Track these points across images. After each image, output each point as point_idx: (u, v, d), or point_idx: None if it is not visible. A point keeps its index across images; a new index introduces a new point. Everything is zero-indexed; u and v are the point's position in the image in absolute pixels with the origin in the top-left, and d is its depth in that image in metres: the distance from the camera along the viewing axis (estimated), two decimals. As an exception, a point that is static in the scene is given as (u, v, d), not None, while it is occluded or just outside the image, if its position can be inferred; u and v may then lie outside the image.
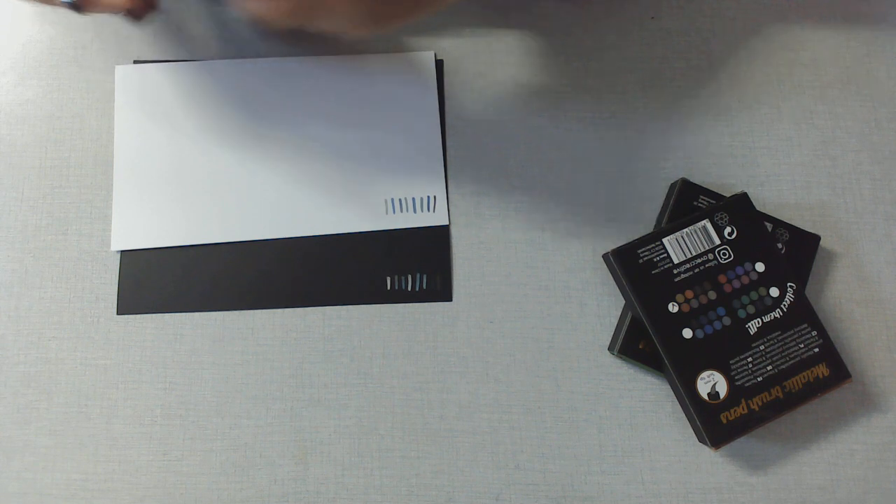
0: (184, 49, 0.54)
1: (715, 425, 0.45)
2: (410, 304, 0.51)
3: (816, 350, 0.47)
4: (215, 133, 0.53)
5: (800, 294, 0.47)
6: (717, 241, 0.48)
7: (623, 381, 0.49)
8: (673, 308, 0.47)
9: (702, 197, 0.50)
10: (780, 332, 0.47)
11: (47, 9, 0.54)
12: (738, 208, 0.48)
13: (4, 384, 0.49)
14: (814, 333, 0.47)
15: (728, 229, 0.48)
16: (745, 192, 0.49)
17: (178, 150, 0.52)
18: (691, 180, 0.51)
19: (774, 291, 0.47)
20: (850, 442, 0.49)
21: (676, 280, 0.47)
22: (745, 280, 0.47)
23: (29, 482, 0.48)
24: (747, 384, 0.46)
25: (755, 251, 0.48)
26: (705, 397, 0.46)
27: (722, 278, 0.47)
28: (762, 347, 0.46)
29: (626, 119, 0.53)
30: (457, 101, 0.54)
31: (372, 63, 0.54)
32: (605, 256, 0.49)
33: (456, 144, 0.53)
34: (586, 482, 0.48)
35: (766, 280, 0.47)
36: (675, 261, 0.47)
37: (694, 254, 0.48)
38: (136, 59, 0.54)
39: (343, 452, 0.48)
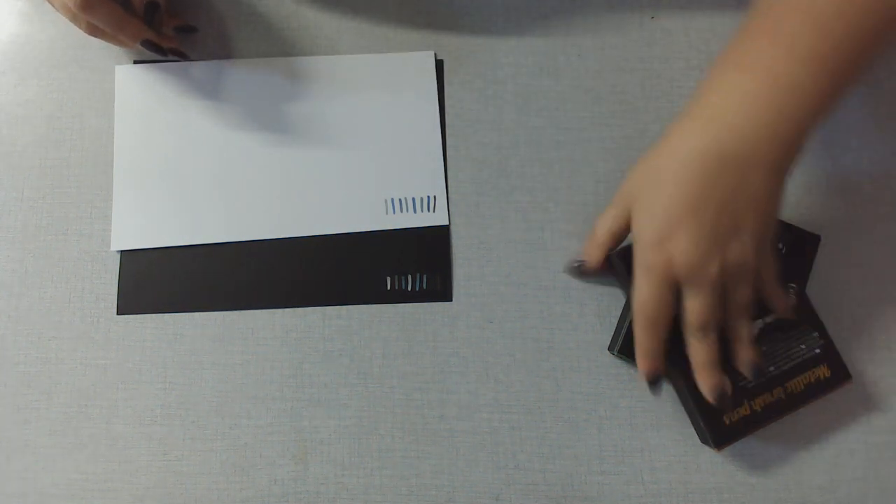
0: (183, 49, 0.53)
1: (718, 427, 0.45)
2: (410, 304, 0.51)
3: (818, 351, 0.47)
4: (215, 133, 0.53)
5: (800, 294, 0.47)
6: (718, 242, 0.48)
7: (623, 381, 0.49)
8: (673, 308, 0.47)
9: (702, 197, 0.50)
10: (781, 333, 0.47)
11: (48, 8, 0.54)
12: (739, 208, 0.48)
13: (4, 384, 0.49)
14: (815, 334, 0.47)
15: (728, 229, 0.48)
16: (746, 192, 0.49)
17: (178, 150, 0.52)
18: (691, 180, 0.51)
19: (775, 291, 0.47)
20: (850, 442, 0.49)
21: (677, 280, 0.47)
22: (746, 280, 0.47)
23: (29, 482, 0.48)
24: (749, 385, 0.46)
25: (755, 251, 0.48)
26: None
27: (722, 278, 0.47)
28: (763, 348, 0.46)
29: (626, 119, 0.53)
30: (457, 101, 0.54)
31: (372, 63, 0.54)
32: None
33: (456, 144, 0.53)
34: (586, 482, 0.48)
35: (766, 280, 0.47)
36: (676, 261, 0.47)
37: (694, 254, 0.47)
38: (136, 59, 0.54)
39: (343, 452, 0.48)
